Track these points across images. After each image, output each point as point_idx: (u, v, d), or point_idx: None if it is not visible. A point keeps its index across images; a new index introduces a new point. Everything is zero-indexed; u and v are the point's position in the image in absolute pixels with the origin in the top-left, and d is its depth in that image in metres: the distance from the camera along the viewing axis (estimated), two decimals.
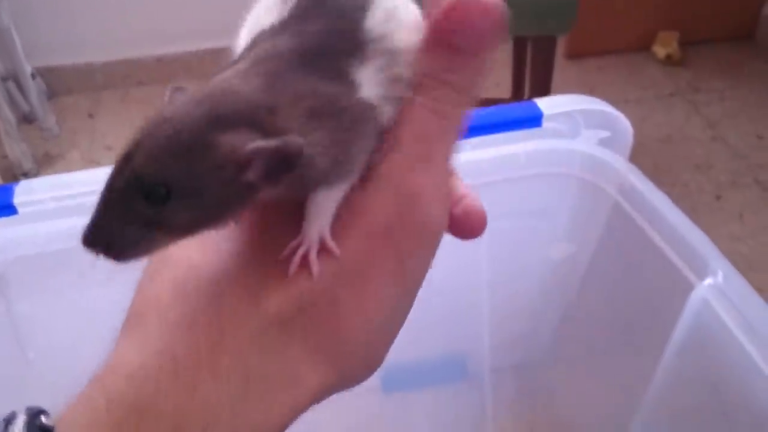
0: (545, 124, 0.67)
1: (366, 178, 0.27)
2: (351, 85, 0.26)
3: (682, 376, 0.63)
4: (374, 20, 0.27)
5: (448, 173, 0.28)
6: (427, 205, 0.27)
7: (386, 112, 0.27)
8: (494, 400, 1.02)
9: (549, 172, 0.73)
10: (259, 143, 0.23)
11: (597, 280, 0.83)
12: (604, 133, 0.72)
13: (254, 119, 0.23)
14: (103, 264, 0.25)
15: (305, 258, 0.27)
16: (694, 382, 0.63)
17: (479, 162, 0.71)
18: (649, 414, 0.71)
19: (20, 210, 0.64)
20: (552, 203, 0.79)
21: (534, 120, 0.65)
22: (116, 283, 0.75)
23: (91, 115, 2.58)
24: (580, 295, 0.88)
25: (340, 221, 0.27)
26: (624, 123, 0.71)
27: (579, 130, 0.71)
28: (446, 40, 0.26)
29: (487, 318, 0.92)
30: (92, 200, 0.25)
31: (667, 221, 0.63)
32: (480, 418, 1.03)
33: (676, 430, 0.69)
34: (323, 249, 0.27)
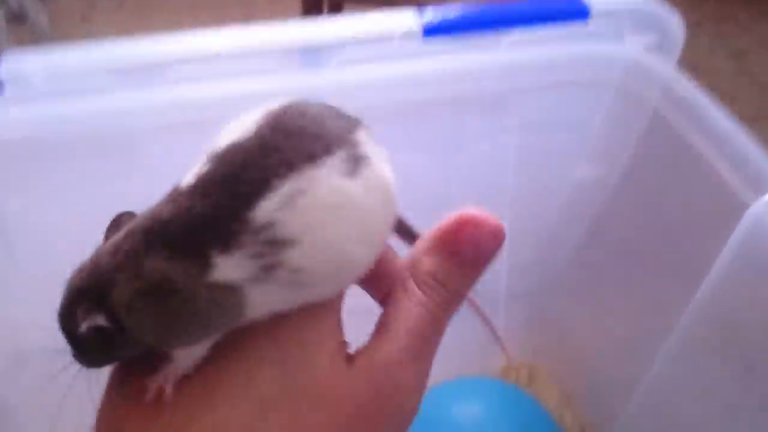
0: (591, 21, 0.59)
1: (350, 357, 0.27)
2: (204, 267, 0.25)
3: (724, 307, 0.58)
4: (264, 207, 0.26)
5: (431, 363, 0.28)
6: (408, 396, 0.28)
7: (258, 295, 0.26)
8: (505, 327, 0.97)
9: (586, 79, 0.66)
10: (82, 320, 0.26)
11: (626, 201, 0.77)
12: (651, 37, 0.64)
13: (101, 294, 0.26)
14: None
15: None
16: (738, 313, 0.58)
17: (510, 66, 0.63)
18: (678, 347, 0.66)
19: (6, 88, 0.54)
20: (583, 115, 0.72)
21: (580, 13, 0.56)
22: (118, 178, 0.70)
23: (84, 18, 2.46)
24: (605, 218, 0.82)
25: (307, 398, 0.26)
26: (676, 27, 0.63)
27: (624, 32, 0.63)
28: (452, 248, 0.27)
29: (507, 239, 0.85)
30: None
31: (720, 133, 0.56)
32: (488, 347, 0.98)
33: (709, 365, 0.64)
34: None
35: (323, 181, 0.26)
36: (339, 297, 0.29)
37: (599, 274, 0.88)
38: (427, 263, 0.28)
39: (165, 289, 0.25)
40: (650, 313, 0.76)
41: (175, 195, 0.27)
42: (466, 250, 0.27)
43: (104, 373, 0.31)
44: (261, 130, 0.27)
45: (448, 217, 0.28)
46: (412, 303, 0.27)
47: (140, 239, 0.26)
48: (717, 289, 0.58)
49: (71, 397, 0.86)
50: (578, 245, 0.90)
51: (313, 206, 0.26)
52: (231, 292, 0.26)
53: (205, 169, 0.27)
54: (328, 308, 0.28)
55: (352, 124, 0.28)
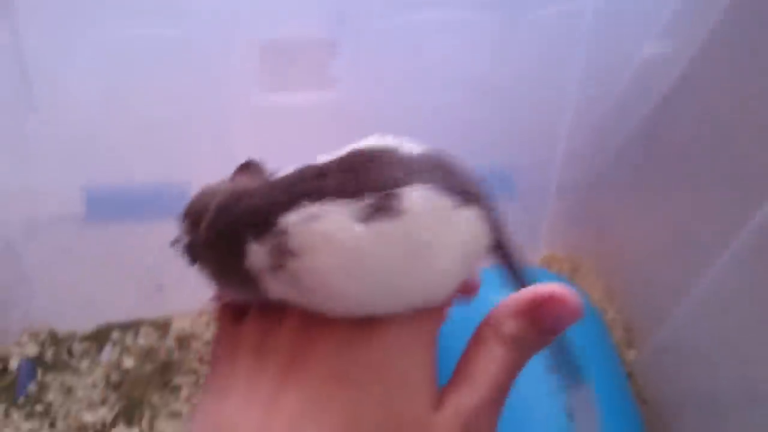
0: None
1: (439, 400, 0.31)
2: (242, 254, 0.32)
3: None
4: (290, 218, 0.30)
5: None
6: None
7: (272, 284, 0.32)
8: (551, 218, 0.93)
9: None
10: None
11: (693, 91, 0.70)
12: None
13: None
14: None
15: None
16: None
17: None
18: (740, 259, 0.61)
19: None
20: None
21: None
22: (148, 19, 0.65)
23: None
24: (667, 109, 0.75)
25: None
26: None
27: None
28: (534, 318, 0.30)
29: (568, 121, 0.79)
30: None
31: None
32: (529, 239, 0.94)
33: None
34: None
35: (333, 217, 0.29)
36: (432, 339, 0.33)
37: (652, 173, 0.82)
38: (510, 326, 0.31)
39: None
40: (704, 222, 0.72)
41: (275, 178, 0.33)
42: (547, 322, 0.30)
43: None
44: (337, 157, 0.32)
45: (534, 289, 0.30)
46: (494, 358, 0.31)
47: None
48: None
49: (84, 269, 0.86)
50: (635, 137, 0.83)
51: (318, 233, 0.29)
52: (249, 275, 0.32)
53: (291, 169, 0.33)
54: (428, 352, 0.32)
55: (413, 176, 0.30)
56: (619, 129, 0.85)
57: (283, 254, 0.30)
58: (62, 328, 0.86)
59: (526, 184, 0.94)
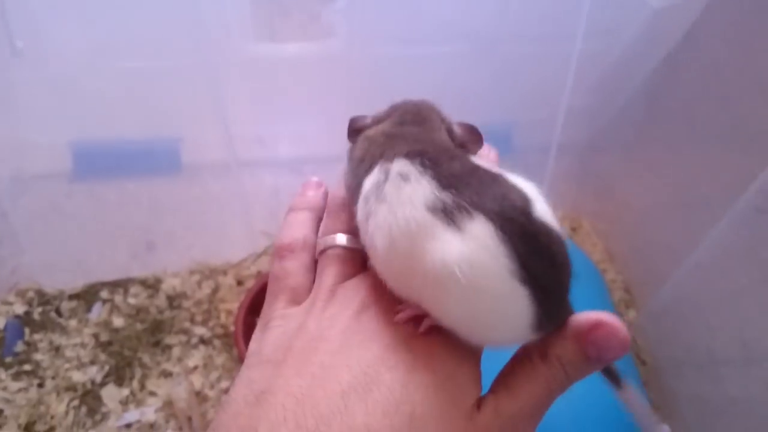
0: None
1: (480, 403, 0.31)
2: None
3: None
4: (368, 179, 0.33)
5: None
6: None
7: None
8: (552, 178, 0.91)
9: None
10: None
11: (703, 43, 0.67)
12: None
13: None
14: None
15: None
16: None
17: None
18: (741, 220, 0.60)
19: None
20: None
21: None
22: None
23: None
24: (672, 66, 0.72)
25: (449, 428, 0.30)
26: None
27: None
28: (582, 344, 0.30)
29: (572, 76, 0.77)
30: None
31: None
32: None
33: None
34: None
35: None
36: (478, 350, 0.32)
37: (655, 132, 0.80)
38: (558, 347, 0.30)
39: None
40: (707, 182, 0.70)
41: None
42: (593, 350, 0.30)
43: None
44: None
45: (587, 314, 0.30)
46: (537, 374, 0.30)
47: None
48: None
49: (72, 226, 0.83)
50: (638, 94, 0.81)
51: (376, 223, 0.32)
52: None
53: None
54: (476, 353, 0.32)
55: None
56: (622, 86, 0.82)
57: (366, 218, 0.32)
58: (50, 286, 0.84)
59: (526, 142, 0.92)
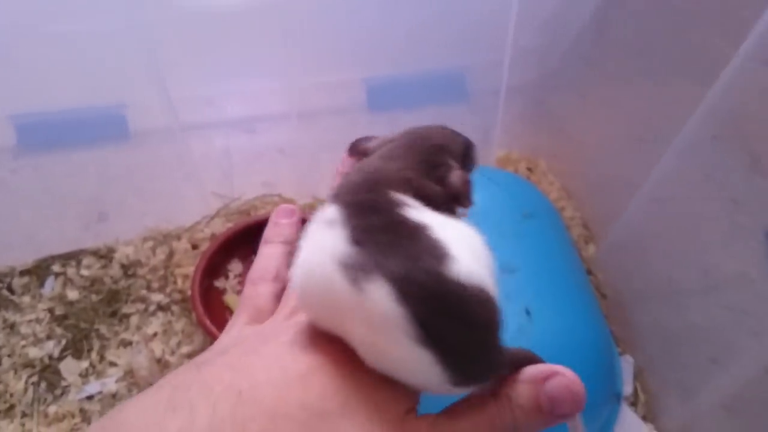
0: None
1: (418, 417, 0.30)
2: None
3: (735, 103, 0.50)
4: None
5: None
6: None
7: None
8: (501, 122, 0.90)
9: None
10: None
11: None
12: None
13: None
14: None
15: None
16: (749, 107, 0.50)
17: None
18: (686, 145, 0.60)
19: None
20: None
21: None
22: None
23: None
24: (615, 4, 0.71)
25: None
26: None
27: None
28: (535, 393, 0.29)
29: (515, 17, 0.75)
30: None
31: None
32: (482, 141, 0.91)
33: (716, 161, 0.58)
34: None
35: None
36: None
37: (604, 68, 0.79)
38: (510, 388, 0.30)
39: None
40: (656, 114, 0.70)
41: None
42: (545, 400, 0.29)
43: None
44: None
45: (546, 365, 0.29)
46: (484, 407, 0.30)
47: None
48: (731, 85, 0.51)
49: (19, 201, 0.80)
50: (585, 30, 0.80)
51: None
52: None
53: None
54: None
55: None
56: (569, 22, 0.81)
57: None
58: (0, 264, 0.82)
59: (478, 85, 0.90)
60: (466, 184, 0.35)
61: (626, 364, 0.75)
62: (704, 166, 0.63)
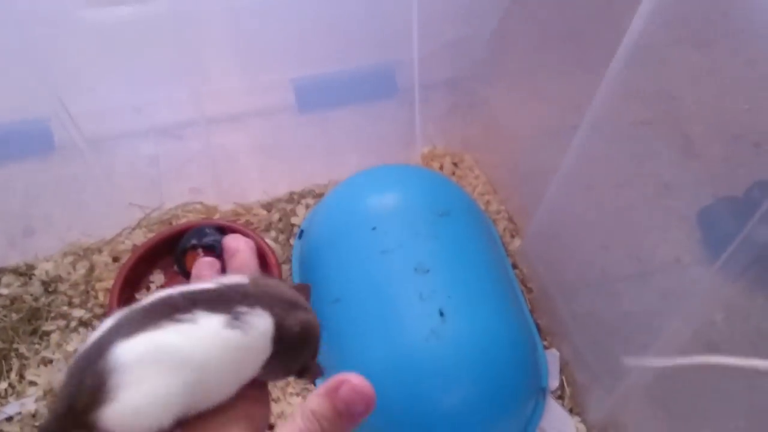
0: None
1: None
2: None
3: (636, 75, 0.50)
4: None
5: None
6: None
7: None
8: (424, 116, 0.89)
9: None
10: None
11: None
12: None
13: None
14: None
15: None
16: (660, 80, 0.50)
17: None
18: (598, 122, 0.59)
19: None
20: None
21: None
22: None
23: None
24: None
25: None
26: None
27: None
28: (333, 399, 0.33)
29: (417, 17, 0.74)
30: None
31: None
32: (408, 137, 0.90)
33: (636, 136, 0.58)
34: None
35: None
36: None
37: (519, 58, 0.78)
38: (312, 403, 0.33)
39: None
40: (571, 94, 0.69)
41: None
42: (341, 404, 0.33)
43: None
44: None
45: (335, 378, 0.33)
46: (294, 426, 0.33)
47: None
48: (636, 60, 0.51)
49: None
50: (505, 24, 0.79)
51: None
52: None
53: None
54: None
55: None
56: (489, 13, 0.80)
57: None
58: None
59: (408, 81, 0.89)
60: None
61: (552, 358, 0.74)
62: (633, 151, 0.62)
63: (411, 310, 0.64)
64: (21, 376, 0.72)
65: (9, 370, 0.73)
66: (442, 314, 0.63)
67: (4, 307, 0.77)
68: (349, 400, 0.33)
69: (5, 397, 0.71)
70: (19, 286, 0.79)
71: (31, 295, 0.78)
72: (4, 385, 0.72)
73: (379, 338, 0.64)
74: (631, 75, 0.56)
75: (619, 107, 0.60)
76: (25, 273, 0.80)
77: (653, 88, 0.59)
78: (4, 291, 0.78)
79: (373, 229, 0.70)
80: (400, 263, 0.67)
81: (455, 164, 0.89)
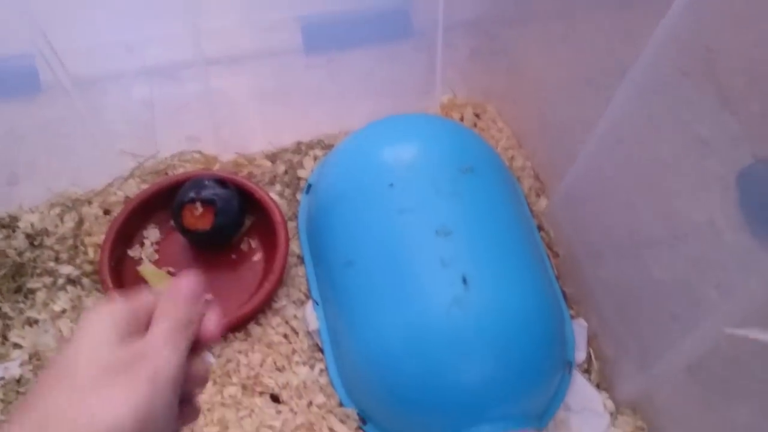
0: None
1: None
2: None
3: (694, 32, 0.43)
4: None
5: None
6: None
7: None
8: (444, 61, 0.81)
9: None
10: None
11: None
12: None
13: None
14: None
15: None
16: (712, 36, 0.43)
17: None
18: (644, 78, 0.52)
19: None
20: None
21: None
22: None
23: None
24: None
25: None
26: None
27: None
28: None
29: None
30: None
31: None
32: (426, 84, 0.83)
33: (679, 96, 0.51)
34: None
35: None
36: None
37: (548, 4, 0.70)
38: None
39: None
40: (614, 42, 0.61)
41: None
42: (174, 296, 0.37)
43: None
44: None
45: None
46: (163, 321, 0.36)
47: None
48: (691, 8, 0.45)
49: None
50: None
51: None
52: None
53: None
54: None
55: None
56: None
57: None
58: None
59: (425, 21, 0.81)
60: None
61: (579, 329, 0.69)
62: (668, 105, 0.56)
63: (432, 276, 0.58)
64: (4, 338, 0.67)
65: None
66: (465, 281, 0.57)
67: None
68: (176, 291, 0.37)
69: None
70: (1, 239, 0.73)
71: (15, 249, 0.72)
72: None
73: (396, 306, 0.59)
74: (683, 22, 0.50)
75: (662, 57, 0.54)
76: (8, 225, 0.74)
77: (696, 37, 0.52)
78: None
79: (390, 185, 0.63)
80: (419, 224, 0.61)
81: (477, 115, 0.82)
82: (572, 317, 0.70)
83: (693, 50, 0.51)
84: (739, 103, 0.51)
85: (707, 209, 0.56)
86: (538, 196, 0.76)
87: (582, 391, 0.66)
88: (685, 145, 0.57)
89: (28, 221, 0.74)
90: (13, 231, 0.74)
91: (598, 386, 0.66)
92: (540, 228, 0.74)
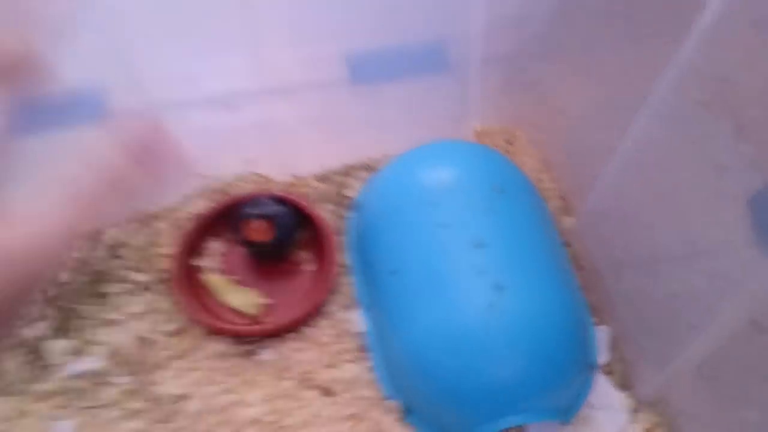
0: None
1: None
2: None
3: (713, 60, 0.49)
4: None
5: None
6: None
7: None
8: (478, 93, 0.89)
9: None
10: None
11: None
12: None
13: None
14: None
15: None
16: (730, 67, 0.49)
17: None
18: (662, 107, 0.59)
19: None
20: None
21: None
22: None
23: None
24: None
25: None
26: None
27: None
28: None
29: None
30: None
31: None
32: (461, 113, 0.91)
33: (697, 124, 0.57)
34: None
35: None
36: None
37: (580, 34, 0.77)
38: None
39: None
40: (633, 74, 0.68)
41: None
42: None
43: None
44: None
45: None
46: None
47: None
48: (707, 41, 0.51)
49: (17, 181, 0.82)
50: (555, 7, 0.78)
51: None
52: None
53: None
54: None
55: None
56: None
57: None
58: None
59: (455, 56, 0.89)
60: None
61: (602, 334, 0.75)
62: (683, 131, 0.62)
63: (468, 283, 0.66)
64: (89, 336, 0.76)
65: (77, 330, 0.76)
66: (500, 288, 0.65)
67: (73, 269, 0.81)
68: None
69: (75, 354, 0.75)
70: (86, 251, 0.82)
71: (97, 258, 0.81)
72: (73, 343, 0.75)
73: (436, 310, 0.66)
74: (700, 56, 0.56)
75: (681, 89, 0.60)
76: (93, 238, 0.83)
77: (712, 68, 0.58)
78: (75, 254, 0.82)
79: (430, 203, 0.71)
80: (457, 238, 0.68)
81: (508, 141, 0.90)
82: (595, 324, 0.76)
83: (709, 80, 0.57)
84: (753, 132, 0.57)
85: (722, 229, 0.62)
86: (564, 215, 0.83)
87: (604, 390, 0.72)
88: (701, 169, 0.62)
89: (110, 234, 0.83)
90: (97, 243, 0.83)
91: (620, 386, 0.73)
92: (566, 244, 0.81)
